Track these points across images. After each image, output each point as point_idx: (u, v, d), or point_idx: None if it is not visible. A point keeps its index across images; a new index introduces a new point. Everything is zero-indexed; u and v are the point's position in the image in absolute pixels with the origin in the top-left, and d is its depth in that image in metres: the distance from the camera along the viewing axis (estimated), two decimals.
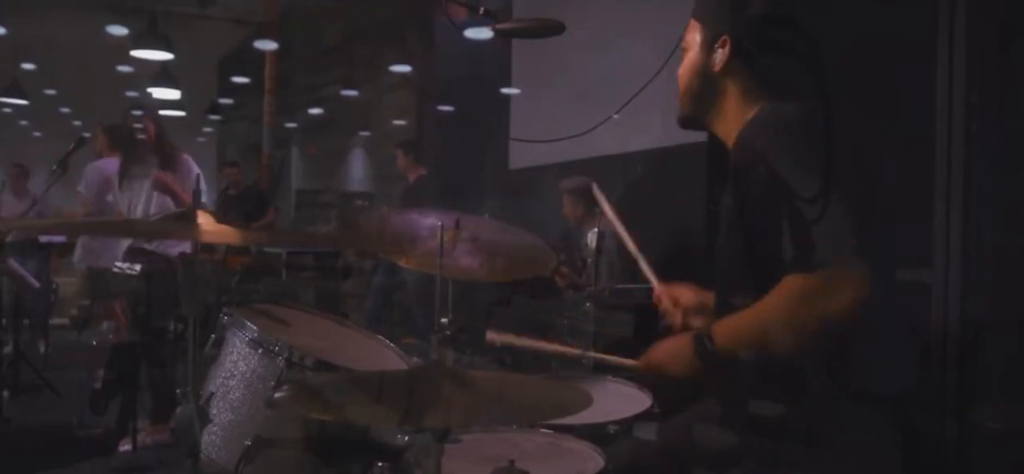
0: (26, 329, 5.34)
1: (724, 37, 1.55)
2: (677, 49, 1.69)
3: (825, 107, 1.41)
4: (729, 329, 1.47)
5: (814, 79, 1.45)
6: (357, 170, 9.42)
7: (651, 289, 1.87)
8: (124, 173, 4.08)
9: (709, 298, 1.76)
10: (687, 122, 1.68)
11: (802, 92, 1.51)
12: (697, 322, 1.74)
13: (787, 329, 1.39)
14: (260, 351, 1.91)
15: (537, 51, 5.38)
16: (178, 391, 3.87)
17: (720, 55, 1.56)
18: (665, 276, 1.87)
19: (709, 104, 1.61)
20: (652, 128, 4.13)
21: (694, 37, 1.62)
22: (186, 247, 3.83)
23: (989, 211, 2.45)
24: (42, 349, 5.68)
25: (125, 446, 3.73)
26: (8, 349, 4.70)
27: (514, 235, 2.26)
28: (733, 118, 1.58)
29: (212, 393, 1.91)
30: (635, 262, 1.91)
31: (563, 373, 2.27)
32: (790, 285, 1.37)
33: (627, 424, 1.91)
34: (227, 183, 7.06)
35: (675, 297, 1.80)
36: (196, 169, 4.06)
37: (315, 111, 10.02)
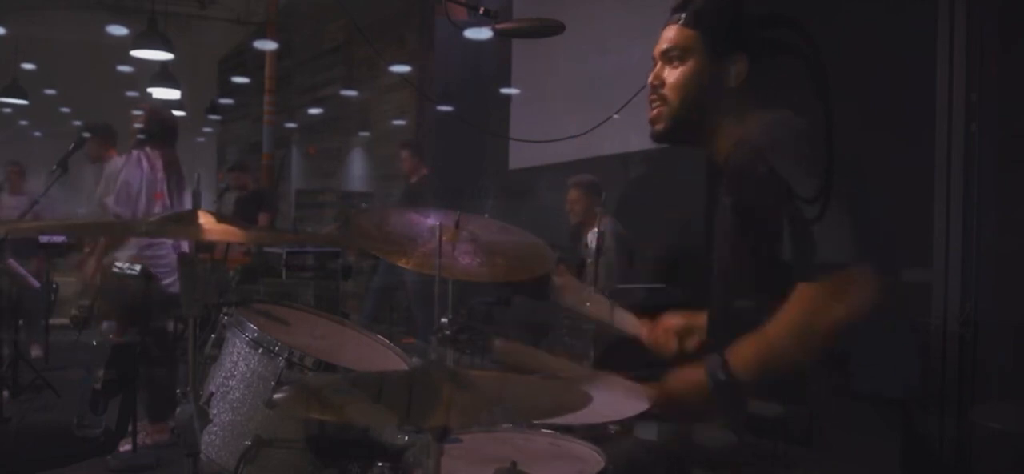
0: (22, 329, 5.34)
1: (742, 53, 1.49)
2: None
3: (825, 107, 1.40)
4: (745, 353, 1.42)
5: (814, 79, 1.44)
6: (357, 170, 9.41)
7: (651, 306, 1.85)
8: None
9: (695, 319, 1.74)
10: (668, 136, 1.57)
11: (802, 92, 1.50)
12: (692, 343, 1.74)
13: (804, 341, 1.36)
14: (260, 351, 1.91)
15: (537, 51, 5.38)
16: (178, 391, 3.87)
17: (737, 71, 1.50)
18: (666, 275, 1.87)
19: (710, 117, 1.55)
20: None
21: (691, 46, 1.53)
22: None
23: (989, 211, 2.45)
24: (37, 351, 5.67)
25: (125, 446, 3.73)
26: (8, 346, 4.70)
27: (514, 235, 2.25)
28: (729, 129, 1.54)
29: (212, 393, 1.91)
30: (610, 316, 1.83)
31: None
32: (802, 295, 1.34)
33: (627, 424, 1.91)
34: (227, 185, 7.05)
35: (664, 327, 1.78)
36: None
37: (315, 111, 10.01)
